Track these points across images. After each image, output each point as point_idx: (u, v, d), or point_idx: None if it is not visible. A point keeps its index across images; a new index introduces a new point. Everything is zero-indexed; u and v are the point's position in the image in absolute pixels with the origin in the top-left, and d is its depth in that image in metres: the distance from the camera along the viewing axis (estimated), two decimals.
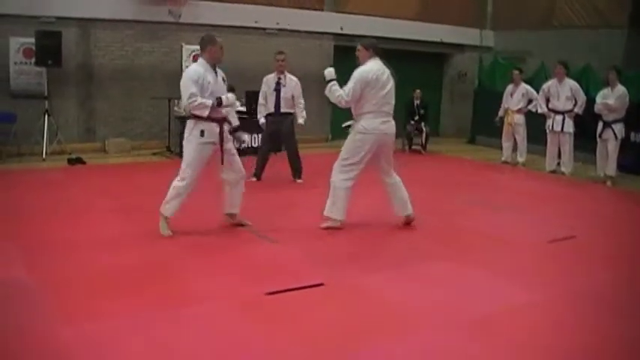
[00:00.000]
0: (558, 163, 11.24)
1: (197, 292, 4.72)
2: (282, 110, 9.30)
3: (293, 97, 9.27)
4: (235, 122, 6.40)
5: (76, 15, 11.52)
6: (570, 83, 10.96)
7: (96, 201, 7.74)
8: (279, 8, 13.68)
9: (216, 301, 4.55)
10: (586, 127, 10.71)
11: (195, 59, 12.21)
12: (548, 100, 11.16)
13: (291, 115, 9.34)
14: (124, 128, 12.13)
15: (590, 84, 12.04)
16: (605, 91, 10.23)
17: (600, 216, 8.05)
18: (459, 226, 7.10)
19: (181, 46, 12.37)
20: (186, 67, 6.14)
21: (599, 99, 10.26)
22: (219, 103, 5.98)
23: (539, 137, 11.59)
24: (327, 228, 6.57)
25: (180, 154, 7.75)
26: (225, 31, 12.98)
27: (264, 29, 13.54)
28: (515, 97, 12.01)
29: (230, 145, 6.29)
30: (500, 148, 12.51)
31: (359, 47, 6.55)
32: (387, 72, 6.46)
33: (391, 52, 15.04)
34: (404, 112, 13.56)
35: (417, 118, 13.66)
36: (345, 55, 13.22)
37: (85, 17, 11.64)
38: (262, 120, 9.42)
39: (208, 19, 12.51)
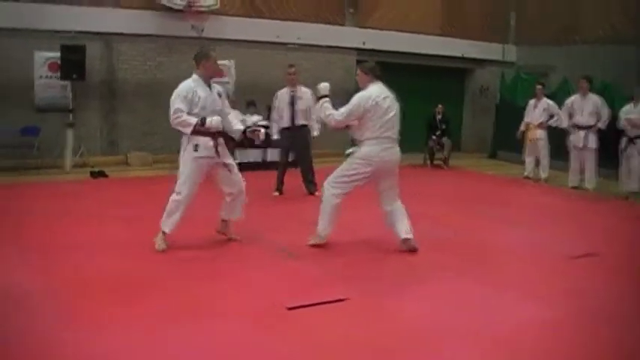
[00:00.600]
0: (581, 179, 11.11)
1: (216, 306, 4.69)
2: (298, 123, 9.31)
3: (307, 109, 9.27)
4: (240, 127, 6.36)
5: (99, 29, 11.71)
6: (594, 98, 10.85)
7: (110, 211, 7.81)
8: (301, 23, 13.77)
9: (237, 316, 4.51)
10: (609, 142, 10.59)
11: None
12: (571, 116, 11.05)
13: (306, 128, 9.35)
14: (146, 142, 12.24)
15: (614, 99, 11.91)
16: (629, 106, 10.10)
17: (623, 233, 7.91)
18: (480, 241, 7.02)
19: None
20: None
21: (622, 114, 10.15)
22: (202, 123, 5.91)
23: (561, 153, 11.47)
24: (313, 245, 6.38)
25: None
26: (246, 46, 13.15)
27: (285, 44, 13.61)
28: (537, 112, 11.91)
29: (229, 160, 6.27)
30: (522, 163, 12.42)
31: (358, 72, 6.38)
32: (390, 96, 6.17)
33: (413, 67, 15.43)
34: (425, 127, 13.57)
35: (438, 132, 13.59)
36: None
37: (109, 32, 11.81)
38: (276, 136, 9.47)
39: (230, 33, 12.63)
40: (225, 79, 12.30)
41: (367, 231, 6.61)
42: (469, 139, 17.20)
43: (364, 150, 6.17)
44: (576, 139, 10.87)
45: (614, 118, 10.52)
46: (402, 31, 14.85)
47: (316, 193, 9.29)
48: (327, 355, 3.96)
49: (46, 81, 11.35)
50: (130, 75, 12.11)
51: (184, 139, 6.09)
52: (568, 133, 11.04)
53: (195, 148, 5.99)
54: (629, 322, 4.74)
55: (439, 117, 13.64)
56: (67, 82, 11.16)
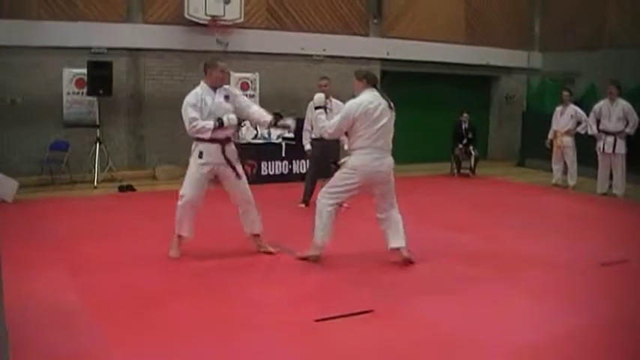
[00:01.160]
0: (610, 185, 10.98)
1: (244, 319, 4.69)
2: None
3: None
4: (267, 118, 6.36)
5: (126, 45, 11.87)
6: (622, 103, 10.73)
7: (141, 224, 7.93)
8: (325, 35, 13.81)
9: (265, 328, 4.50)
10: (638, 148, 10.46)
11: (242, 87, 12.54)
12: (598, 122, 10.94)
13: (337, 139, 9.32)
14: (173, 155, 12.32)
15: None
16: None
17: None
18: (509, 250, 6.95)
19: (229, 74, 12.54)
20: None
21: None
22: (220, 124, 6.08)
23: (590, 159, 11.34)
24: (303, 258, 6.28)
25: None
26: (271, 59, 13.23)
27: (310, 56, 13.67)
28: (564, 119, 11.79)
29: (238, 167, 6.34)
30: (550, 170, 12.30)
31: (354, 79, 6.30)
32: (382, 104, 6.03)
33: (438, 76, 15.40)
34: (451, 136, 13.50)
35: (465, 141, 13.51)
36: (392, 80, 13.29)
37: (135, 47, 11.95)
38: (308, 146, 9.44)
39: (255, 46, 12.71)
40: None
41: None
42: (496, 147, 17.07)
43: (354, 160, 6.12)
44: (604, 145, 10.76)
45: None
46: (425, 40, 14.83)
47: (345, 205, 9.27)
48: None
49: (73, 97, 11.51)
50: (156, 89, 12.24)
51: (193, 146, 6.29)
52: (596, 139, 10.94)
53: (200, 154, 6.20)
54: None
55: (465, 125, 13.56)
56: (94, 98, 11.31)
